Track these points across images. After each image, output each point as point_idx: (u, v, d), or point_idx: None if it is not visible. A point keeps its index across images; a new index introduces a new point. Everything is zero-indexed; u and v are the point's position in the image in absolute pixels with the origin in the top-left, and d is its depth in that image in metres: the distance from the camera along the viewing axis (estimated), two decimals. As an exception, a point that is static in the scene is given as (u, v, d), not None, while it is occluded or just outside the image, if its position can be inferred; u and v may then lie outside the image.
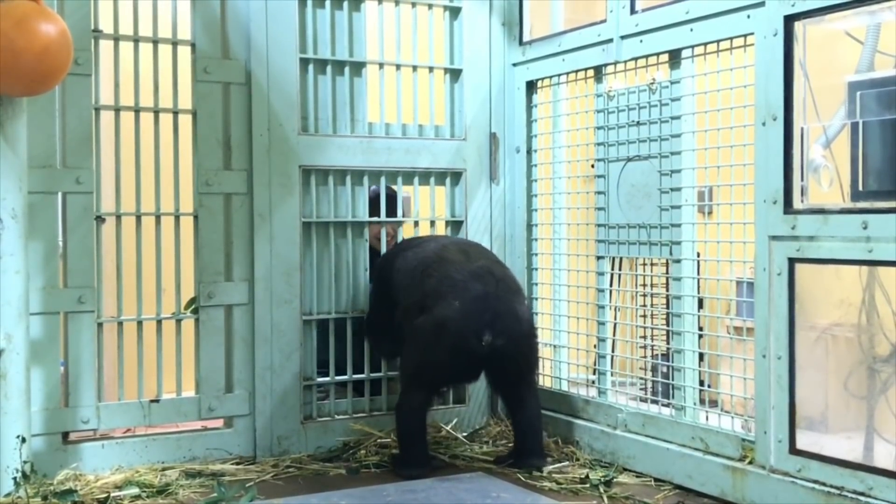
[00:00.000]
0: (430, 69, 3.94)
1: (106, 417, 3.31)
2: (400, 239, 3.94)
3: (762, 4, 2.84)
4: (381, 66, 3.83)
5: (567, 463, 3.45)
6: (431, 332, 3.23)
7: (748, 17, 2.91)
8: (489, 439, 3.78)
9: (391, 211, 3.87)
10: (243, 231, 3.53)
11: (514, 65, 4.03)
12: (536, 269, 3.98)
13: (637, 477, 3.26)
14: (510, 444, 3.59)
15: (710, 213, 3.44)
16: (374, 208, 3.82)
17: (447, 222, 3.98)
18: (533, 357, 3.46)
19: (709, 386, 3.52)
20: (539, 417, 3.47)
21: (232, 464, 3.42)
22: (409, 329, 3.36)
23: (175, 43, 3.45)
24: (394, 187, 3.93)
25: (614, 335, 3.81)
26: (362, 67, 3.78)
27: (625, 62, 3.45)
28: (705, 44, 3.13)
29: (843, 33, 2.86)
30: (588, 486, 3.16)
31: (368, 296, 3.78)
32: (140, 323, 3.40)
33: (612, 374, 3.64)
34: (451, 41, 4.00)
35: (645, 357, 4.20)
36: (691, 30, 3.15)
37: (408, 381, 3.37)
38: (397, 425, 3.40)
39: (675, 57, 3.26)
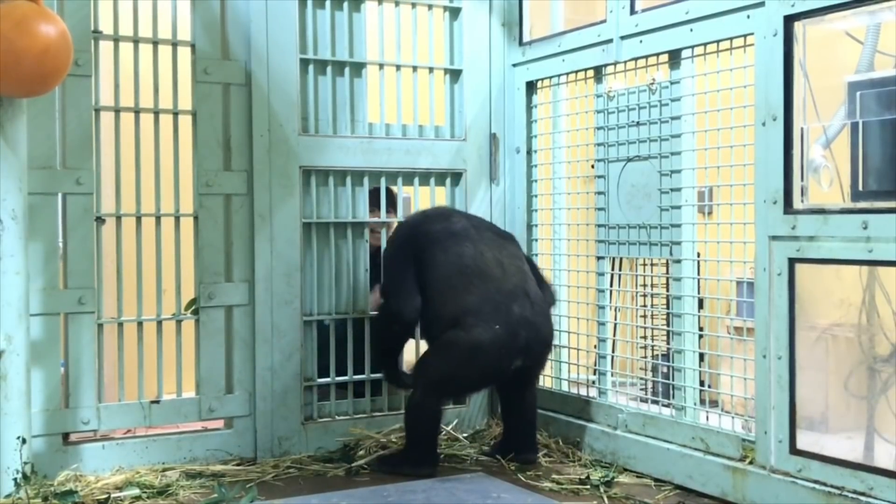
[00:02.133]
0: (430, 70, 3.94)
1: (106, 418, 3.31)
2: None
3: (762, 4, 2.85)
4: (381, 66, 3.83)
5: (554, 457, 3.46)
6: (467, 351, 3.25)
7: (748, 17, 2.91)
8: (490, 440, 3.78)
9: (389, 207, 3.86)
10: (243, 232, 3.53)
11: (514, 65, 4.03)
12: (537, 270, 3.98)
13: (637, 477, 3.26)
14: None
15: (710, 213, 3.44)
16: (373, 201, 3.81)
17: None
18: (544, 366, 3.58)
19: (709, 386, 3.52)
20: (535, 411, 3.57)
21: (232, 464, 3.42)
22: (442, 339, 3.33)
23: (175, 44, 3.45)
24: (394, 188, 3.93)
25: (614, 335, 3.81)
26: (362, 68, 3.78)
27: (625, 62, 3.45)
28: (705, 44, 3.13)
29: (843, 33, 2.86)
30: (588, 486, 3.16)
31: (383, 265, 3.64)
32: (140, 324, 3.40)
33: (612, 375, 3.64)
34: (451, 42, 4.00)
35: (645, 357, 4.20)
36: (691, 30, 3.15)
37: (430, 386, 3.35)
38: (413, 425, 3.38)
39: (674, 57, 3.27)
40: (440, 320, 3.35)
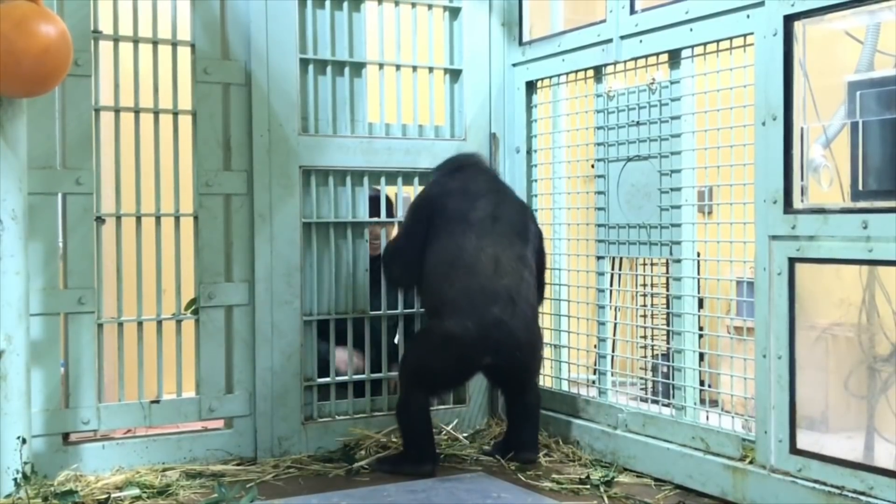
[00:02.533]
0: (430, 69, 3.94)
1: (106, 418, 3.31)
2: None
3: (762, 4, 2.84)
4: (381, 66, 3.83)
5: (559, 457, 3.46)
6: (439, 342, 3.29)
7: (748, 16, 2.91)
8: (490, 440, 3.77)
9: (389, 216, 3.86)
10: (243, 232, 3.53)
11: (514, 65, 4.03)
12: (537, 270, 3.97)
13: (637, 477, 3.26)
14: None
15: (710, 212, 3.45)
16: (373, 209, 3.81)
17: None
18: (534, 366, 3.53)
19: (709, 386, 3.52)
20: (537, 411, 3.55)
21: (232, 464, 3.42)
22: (421, 329, 3.43)
23: (175, 44, 3.45)
24: (392, 193, 3.91)
25: (614, 335, 3.81)
26: (362, 68, 3.78)
27: (624, 62, 3.45)
28: (705, 44, 3.13)
29: (842, 33, 2.86)
30: (588, 486, 3.16)
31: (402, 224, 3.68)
32: (140, 324, 3.40)
33: (612, 374, 3.64)
34: (450, 41, 4.00)
35: (645, 357, 4.20)
36: (691, 30, 3.15)
37: (410, 381, 3.39)
38: (403, 424, 3.40)
39: (674, 57, 3.27)
40: (425, 308, 3.46)
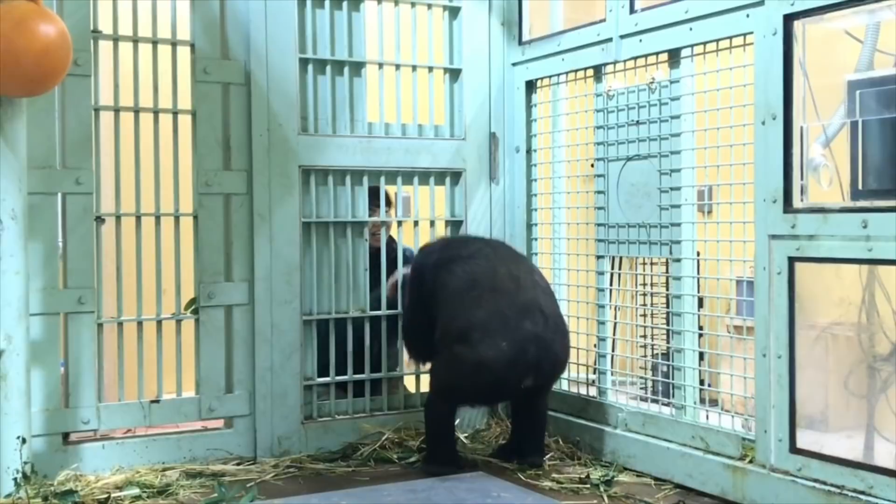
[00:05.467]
0: (430, 69, 3.94)
1: (106, 418, 3.31)
2: (385, 237, 3.88)
3: (761, 3, 2.84)
4: (380, 66, 3.83)
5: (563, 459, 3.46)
6: (473, 367, 3.19)
7: (747, 16, 2.91)
8: (491, 440, 3.78)
9: (388, 208, 3.87)
10: (243, 231, 3.53)
11: (514, 64, 4.03)
12: (536, 269, 3.97)
13: (637, 476, 3.27)
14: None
15: (709, 212, 3.44)
16: (372, 200, 3.82)
17: (447, 222, 3.98)
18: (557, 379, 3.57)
19: (709, 385, 3.52)
20: (546, 415, 3.53)
21: (232, 464, 3.42)
22: (449, 353, 3.29)
23: (174, 43, 3.45)
24: (391, 189, 3.93)
25: (614, 334, 3.81)
26: (362, 67, 3.78)
27: (624, 61, 3.45)
28: (705, 43, 3.13)
29: (842, 32, 2.86)
30: (588, 485, 3.16)
31: (404, 296, 3.74)
32: (140, 323, 3.40)
33: (612, 374, 3.64)
34: (450, 41, 4.00)
35: (645, 356, 4.20)
36: (690, 29, 3.15)
37: (441, 391, 3.37)
38: (428, 425, 3.42)
39: (674, 56, 3.27)
40: (449, 335, 3.30)
